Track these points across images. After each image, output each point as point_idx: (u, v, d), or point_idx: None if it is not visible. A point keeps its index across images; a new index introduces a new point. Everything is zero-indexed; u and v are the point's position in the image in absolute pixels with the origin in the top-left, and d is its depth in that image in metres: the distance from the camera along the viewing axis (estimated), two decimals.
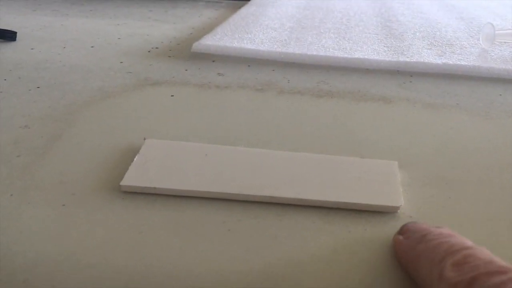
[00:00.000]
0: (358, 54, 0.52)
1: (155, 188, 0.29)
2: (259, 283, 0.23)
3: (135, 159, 0.31)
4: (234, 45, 0.53)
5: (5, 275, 0.23)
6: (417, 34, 0.61)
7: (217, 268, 0.24)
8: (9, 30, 0.56)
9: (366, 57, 0.51)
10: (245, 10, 0.71)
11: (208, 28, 0.64)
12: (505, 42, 0.57)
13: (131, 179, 0.29)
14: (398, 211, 0.28)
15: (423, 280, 0.22)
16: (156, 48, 0.56)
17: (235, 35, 0.57)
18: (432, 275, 0.21)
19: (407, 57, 0.51)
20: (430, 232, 0.23)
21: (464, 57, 0.52)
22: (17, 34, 0.56)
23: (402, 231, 0.25)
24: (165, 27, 0.65)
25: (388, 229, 0.27)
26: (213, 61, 0.51)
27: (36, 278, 0.23)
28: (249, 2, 0.78)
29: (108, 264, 0.24)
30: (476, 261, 0.20)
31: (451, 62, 0.50)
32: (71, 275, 0.23)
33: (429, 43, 0.57)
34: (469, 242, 0.22)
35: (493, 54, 0.54)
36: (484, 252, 0.21)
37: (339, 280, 0.23)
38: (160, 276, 0.23)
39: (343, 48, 0.54)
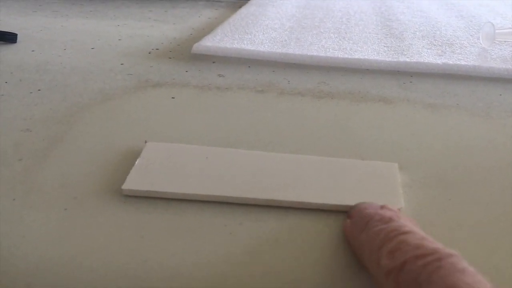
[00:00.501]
0: (358, 55, 0.52)
1: (156, 191, 0.29)
2: (260, 287, 0.23)
3: (136, 162, 0.31)
4: (234, 46, 0.53)
5: (8, 280, 0.23)
6: (417, 33, 0.61)
7: (219, 271, 0.24)
8: (10, 32, 0.56)
9: (366, 57, 0.51)
10: (245, 10, 0.71)
11: (208, 29, 0.64)
12: (505, 41, 0.57)
13: (132, 182, 0.29)
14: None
15: (367, 267, 0.23)
16: (157, 49, 0.56)
17: (235, 35, 0.57)
18: (372, 263, 0.22)
19: (407, 57, 0.51)
20: (372, 218, 0.24)
21: (464, 57, 0.52)
22: (18, 36, 0.56)
23: (350, 214, 0.27)
24: (165, 27, 0.65)
25: None
26: (213, 62, 0.52)
27: (38, 282, 0.23)
28: (249, 2, 0.78)
29: (110, 267, 0.24)
30: (406, 247, 0.21)
31: (451, 62, 0.50)
32: (73, 278, 0.23)
33: (429, 42, 0.57)
34: (406, 227, 0.23)
35: (493, 54, 0.54)
36: (417, 236, 0.22)
37: (341, 283, 0.23)
38: (162, 280, 0.23)
39: (343, 49, 0.54)
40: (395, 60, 0.51)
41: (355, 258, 0.25)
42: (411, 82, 0.48)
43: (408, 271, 0.19)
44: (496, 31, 0.55)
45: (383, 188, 0.30)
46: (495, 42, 0.57)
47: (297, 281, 0.23)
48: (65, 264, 0.24)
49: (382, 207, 0.26)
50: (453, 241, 0.26)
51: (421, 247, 0.20)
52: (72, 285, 0.23)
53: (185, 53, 0.54)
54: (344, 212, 0.28)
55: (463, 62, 0.50)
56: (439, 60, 0.51)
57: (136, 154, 0.32)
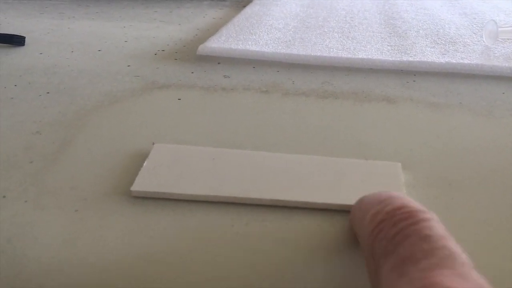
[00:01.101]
0: (361, 54, 0.52)
1: (164, 193, 0.29)
2: (266, 286, 0.24)
3: (144, 164, 0.32)
4: (239, 47, 0.54)
5: (21, 281, 0.24)
6: (421, 31, 0.62)
7: (226, 271, 0.24)
8: (18, 35, 0.57)
9: (369, 57, 0.51)
10: (249, 9, 0.72)
11: (213, 29, 0.64)
12: (508, 39, 0.58)
13: (141, 184, 0.30)
14: None
15: (357, 233, 0.24)
16: (162, 50, 0.56)
17: (239, 36, 0.57)
18: (360, 229, 0.23)
19: (411, 56, 0.52)
20: (367, 196, 0.25)
21: (467, 55, 0.52)
22: (26, 39, 0.57)
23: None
24: (171, 28, 0.66)
25: None
26: (219, 63, 0.52)
27: (51, 283, 0.24)
28: (253, 1, 0.78)
29: (120, 268, 0.25)
30: (388, 207, 0.22)
31: (454, 61, 0.50)
32: (85, 279, 0.24)
33: (432, 41, 0.58)
34: (393, 193, 0.23)
35: (496, 52, 0.54)
36: (401, 197, 0.23)
37: (347, 283, 0.24)
38: (171, 281, 0.24)
39: (347, 48, 0.54)
40: (398, 59, 0.51)
41: (361, 257, 0.25)
42: (414, 81, 0.48)
43: (381, 238, 0.20)
44: (499, 29, 0.55)
45: (386, 187, 0.30)
46: (498, 40, 0.57)
47: (303, 281, 0.24)
48: (77, 264, 0.25)
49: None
50: (457, 240, 0.27)
51: (402, 207, 0.21)
52: (84, 286, 0.24)
53: (190, 54, 0.55)
54: (349, 212, 0.28)
55: (466, 61, 0.50)
56: (442, 59, 0.51)
57: (143, 156, 0.33)
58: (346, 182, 0.31)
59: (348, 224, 0.27)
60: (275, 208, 0.29)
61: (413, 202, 0.22)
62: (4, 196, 0.30)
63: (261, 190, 0.30)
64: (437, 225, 0.20)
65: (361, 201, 0.26)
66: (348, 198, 0.29)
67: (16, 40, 0.56)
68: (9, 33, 0.58)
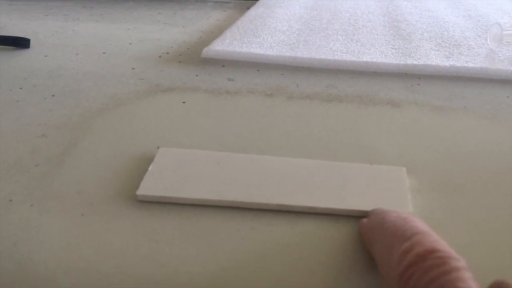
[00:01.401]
0: (366, 57, 0.52)
1: (169, 197, 0.30)
2: None
3: (149, 168, 0.32)
4: (243, 50, 0.54)
5: (28, 285, 0.24)
6: (425, 34, 0.62)
7: (232, 275, 0.25)
8: (23, 38, 0.57)
9: (374, 60, 0.51)
10: (253, 11, 0.72)
11: (217, 31, 0.65)
12: None
13: (146, 188, 0.30)
14: None
15: (379, 263, 0.23)
16: (167, 53, 0.56)
17: (244, 39, 0.57)
18: (385, 260, 0.22)
19: (415, 59, 0.52)
20: (388, 213, 0.25)
21: (472, 59, 0.52)
22: (31, 41, 0.57)
23: (368, 214, 0.27)
24: (175, 30, 0.66)
25: None
26: (223, 66, 0.52)
27: (57, 287, 0.24)
28: (257, 3, 0.78)
29: (126, 272, 0.25)
30: (420, 248, 0.21)
31: (458, 64, 0.50)
32: (92, 283, 0.24)
33: (436, 44, 0.58)
34: (421, 226, 0.23)
35: (500, 55, 0.54)
36: (430, 239, 0.22)
37: (351, 287, 0.24)
38: (176, 285, 0.24)
39: (351, 51, 0.54)
40: (402, 62, 0.51)
41: (365, 262, 0.25)
42: (418, 84, 0.48)
43: (416, 280, 0.20)
44: (504, 32, 0.55)
45: (391, 192, 0.30)
46: (502, 43, 0.57)
47: (308, 285, 0.24)
48: (83, 268, 0.25)
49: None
50: (462, 244, 0.27)
51: (433, 252, 0.21)
52: None
53: (194, 57, 0.55)
54: (354, 217, 0.28)
55: (470, 64, 0.50)
56: (446, 62, 0.51)
57: (148, 160, 0.33)
58: (351, 186, 0.31)
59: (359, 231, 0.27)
60: (280, 212, 0.29)
61: (443, 245, 0.22)
62: (10, 200, 0.30)
63: (266, 195, 0.30)
64: (468, 275, 0.20)
65: (376, 212, 0.26)
66: (353, 203, 0.29)
67: (21, 43, 0.56)
68: (14, 35, 0.58)
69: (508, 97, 0.45)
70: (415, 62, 0.51)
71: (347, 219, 0.28)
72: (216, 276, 0.25)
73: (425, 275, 0.20)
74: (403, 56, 0.53)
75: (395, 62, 0.51)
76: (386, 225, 0.24)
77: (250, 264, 0.25)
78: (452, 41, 0.59)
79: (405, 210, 0.29)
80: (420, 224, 0.23)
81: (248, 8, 0.77)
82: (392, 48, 0.56)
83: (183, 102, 0.43)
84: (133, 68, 0.51)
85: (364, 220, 0.27)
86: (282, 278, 0.25)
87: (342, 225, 0.28)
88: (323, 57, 0.52)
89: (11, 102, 0.43)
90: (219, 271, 0.25)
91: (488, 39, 0.57)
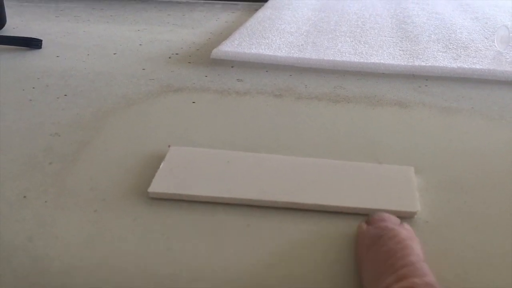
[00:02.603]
0: (374, 59, 0.53)
1: (180, 194, 0.30)
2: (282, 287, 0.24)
3: (161, 166, 0.33)
4: (252, 51, 0.54)
5: (44, 279, 0.25)
6: (432, 36, 0.62)
7: (242, 272, 0.25)
8: (35, 38, 0.58)
9: (382, 61, 0.52)
10: (261, 13, 0.73)
11: (226, 33, 0.65)
12: None
13: (158, 185, 0.31)
14: (415, 216, 0.29)
15: (363, 282, 0.23)
16: (176, 54, 0.57)
17: (252, 40, 0.58)
18: (372, 282, 0.22)
19: (423, 61, 0.52)
20: (386, 234, 0.25)
21: (479, 60, 0.53)
22: (43, 41, 0.58)
23: (368, 220, 0.27)
24: (184, 32, 0.67)
25: None
26: (232, 67, 0.53)
27: (73, 282, 0.25)
28: (265, 5, 0.79)
29: (138, 267, 0.25)
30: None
31: (466, 66, 0.51)
32: (106, 279, 0.25)
33: (444, 45, 0.58)
34: (413, 255, 0.23)
35: (508, 57, 0.54)
36: (418, 273, 0.22)
37: (360, 285, 0.24)
38: (188, 281, 0.25)
39: (359, 53, 0.55)
40: (410, 64, 0.51)
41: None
42: (426, 85, 0.48)
43: None
44: (511, 34, 0.56)
45: (399, 191, 0.31)
46: (510, 45, 0.57)
47: (317, 283, 0.25)
48: (98, 264, 0.25)
49: (400, 223, 0.26)
50: (469, 244, 0.27)
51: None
52: (105, 285, 0.24)
53: (204, 58, 0.56)
54: (361, 215, 0.29)
55: (478, 66, 0.51)
56: (454, 64, 0.51)
57: (160, 158, 0.34)
58: (359, 185, 0.31)
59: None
60: (289, 210, 0.29)
61: (427, 280, 0.21)
62: (24, 197, 0.31)
63: (275, 192, 0.30)
64: None
65: (377, 223, 0.26)
66: (362, 201, 0.30)
67: (33, 43, 0.57)
68: (26, 36, 0.59)
69: None
70: (422, 64, 0.51)
71: (355, 217, 0.29)
72: (226, 272, 0.25)
73: None
74: (410, 57, 0.53)
75: (402, 63, 0.52)
76: (381, 249, 0.24)
77: (259, 261, 0.26)
78: (459, 43, 0.59)
79: (413, 209, 0.29)
80: (413, 253, 0.23)
81: (256, 10, 0.78)
82: (399, 50, 0.56)
83: (193, 102, 0.44)
84: (143, 69, 0.52)
85: (364, 226, 0.27)
86: (291, 274, 0.25)
87: (350, 222, 0.28)
88: (331, 58, 0.53)
89: (24, 101, 0.44)
90: (229, 267, 0.25)
91: (495, 41, 0.58)
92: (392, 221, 0.26)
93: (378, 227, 0.26)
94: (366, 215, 0.28)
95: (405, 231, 0.25)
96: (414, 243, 0.24)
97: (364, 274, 0.24)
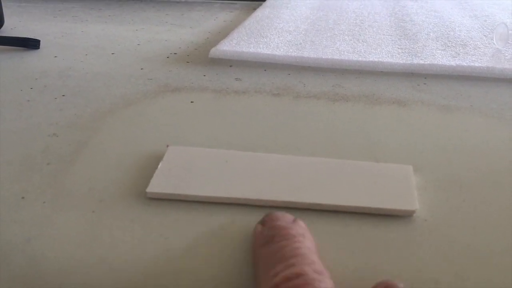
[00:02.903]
0: (372, 57, 0.52)
1: (179, 194, 0.30)
2: None
3: (159, 166, 0.32)
4: (250, 50, 0.54)
5: (42, 280, 0.25)
6: (431, 34, 0.62)
7: (241, 272, 0.25)
8: (33, 39, 0.58)
9: (380, 60, 0.52)
10: (260, 12, 0.72)
11: (224, 32, 0.65)
12: None
13: (156, 186, 0.31)
14: (414, 214, 0.29)
15: (257, 281, 0.23)
16: (175, 53, 0.57)
17: (251, 39, 0.58)
18: (263, 281, 0.22)
19: (421, 59, 0.52)
20: (279, 233, 0.25)
21: (478, 58, 0.53)
22: (41, 42, 0.58)
23: (263, 221, 0.27)
24: (182, 31, 0.67)
25: (403, 233, 0.28)
26: (230, 66, 0.53)
27: (70, 282, 0.24)
28: (263, 4, 0.79)
29: (136, 268, 0.25)
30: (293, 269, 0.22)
31: (464, 64, 0.51)
32: (104, 279, 0.25)
33: (442, 43, 0.58)
34: (302, 248, 0.23)
35: (507, 55, 0.54)
36: (305, 261, 0.22)
37: (357, 284, 0.24)
38: (187, 281, 0.24)
39: (357, 51, 0.54)
40: (409, 62, 0.51)
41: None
42: (425, 84, 0.48)
43: None
44: (510, 31, 0.56)
45: (398, 190, 0.31)
46: (509, 43, 0.57)
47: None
48: (95, 264, 0.25)
49: (294, 220, 0.26)
50: (467, 242, 0.27)
51: (300, 275, 0.21)
52: (101, 285, 0.24)
53: (202, 57, 0.56)
54: (360, 214, 0.29)
55: (476, 64, 0.51)
56: (453, 62, 0.51)
57: (158, 158, 0.34)
58: (357, 184, 0.31)
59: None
60: (287, 209, 0.29)
61: (315, 268, 0.22)
62: (23, 197, 0.31)
63: (273, 192, 0.30)
64: None
65: (271, 223, 0.26)
66: (360, 200, 0.29)
67: (31, 44, 0.57)
68: (24, 36, 0.58)
69: None
70: (421, 62, 0.51)
71: (352, 216, 0.29)
72: (225, 272, 0.25)
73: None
74: (409, 55, 0.53)
75: (401, 61, 0.51)
76: (274, 246, 0.24)
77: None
78: (458, 41, 0.59)
79: (412, 208, 0.29)
80: (304, 246, 0.24)
81: (255, 9, 0.77)
82: (398, 48, 0.56)
83: (191, 102, 0.44)
84: (141, 69, 0.52)
85: (259, 227, 0.26)
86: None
87: (348, 222, 0.28)
88: (329, 57, 0.52)
89: (22, 102, 0.44)
90: (228, 267, 0.25)
91: (494, 39, 0.58)
92: (285, 220, 0.26)
93: (272, 227, 0.26)
94: (365, 214, 0.28)
95: (298, 227, 0.25)
96: (306, 239, 0.25)
97: (257, 268, 0.24)
